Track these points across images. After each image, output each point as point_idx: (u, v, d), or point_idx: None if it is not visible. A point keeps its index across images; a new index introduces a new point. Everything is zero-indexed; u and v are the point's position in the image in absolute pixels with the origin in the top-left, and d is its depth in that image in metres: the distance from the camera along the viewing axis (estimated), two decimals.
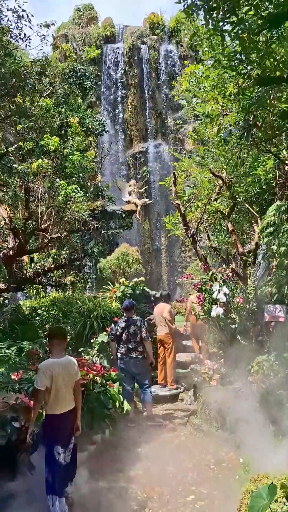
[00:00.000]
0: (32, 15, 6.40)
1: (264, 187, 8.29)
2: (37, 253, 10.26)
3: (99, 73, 23.35)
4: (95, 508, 4.61)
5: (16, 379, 5.69)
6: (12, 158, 7.94)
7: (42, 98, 8.27)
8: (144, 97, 24.29)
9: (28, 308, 11.06)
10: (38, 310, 10.74)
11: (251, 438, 5.44)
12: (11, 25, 6.48)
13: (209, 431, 6.75)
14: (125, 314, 7.74)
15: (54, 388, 4.42)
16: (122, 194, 20.88)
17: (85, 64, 9.81)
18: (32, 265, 10.37)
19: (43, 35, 6.82)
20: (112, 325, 7.81)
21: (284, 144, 7.36)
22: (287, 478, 3.22)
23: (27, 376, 5.78)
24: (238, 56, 5.36)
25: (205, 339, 9.69)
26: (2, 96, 7.13)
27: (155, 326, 9.52)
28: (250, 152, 8.08)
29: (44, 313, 10.56)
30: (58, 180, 8.48)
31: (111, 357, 7.83)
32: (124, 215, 17.68)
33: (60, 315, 10.24)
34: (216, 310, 7.19)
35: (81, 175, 9.10)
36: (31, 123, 8.23)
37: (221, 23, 4.63)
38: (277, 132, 6.71)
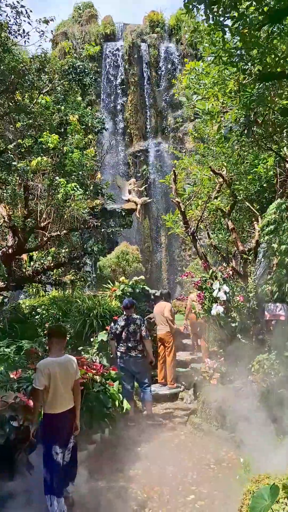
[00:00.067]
0: (31, 11, 6.35)
1: (264, 185, 8.24)
2: (36, 252, 10.22)
3: (98, 69, 23.26)
4: (94, 508, 4.58)
5: (15, 378, 5.65)
6: (11, 155, 7.89)
7: (42, 95, 8.23)
8: (144, 95, 24.25)
9: (27, 307, 11.03)
10: (38, 309, 10.71)
11: (252, 437, 5.41)
12: (10, 20, 6.44)
13: (209, 430, 6.71)
14: (124, 313, 7.70)
15: (52, 387, 4.38)
16: (122, 192, 20.84)
17: (84, 60, 9.73)
18: (32, 263, 10.33)
19: (42, 31, 6.77)
20: (112, 324, 7.76)
21: (285, 141, 7.30)
22: None
23: (26, 375, 5.74)
24: (238, 52, 5.33)
25: (205, 338, 9.65)
26: (0, 93, 7.08)
27: (155, 324, 9.49)
28: (251, 150, 8.04)
29: (44, 312, 10.52)
30: (57, 178, 8.44)
31: (111, 356, 7.80)
32: (124, 214, 17.66)
33: (60, 313, 10.20)
34: (217, 309, 7.15)
35: (80, 173, 9.07)
36: (30, 121, 8.19)
37: (221, 18, 4.58)
38: (278, 129, 6.66)
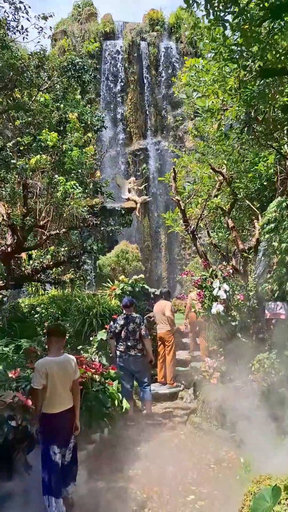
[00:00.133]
0: (29, 7, 6.29)
1: (265, 183, 8.20)
2: (35, 250, 10.17)
3: (98, 66, 23.16)
4: (93, 508, 4.54)
5: (14, 377, 5.60)
6: (10, 153, 7.84)
7: (41, 93, 8.18)
8: (144, 94, 24.17)
9: (26, 306, 10.98)
10: (37, 308, 10.67)
11: (252, 437, 5.37)
12: (8, 17, 6.38)
13: (209, 430, 6.67)
14: (124, 312, 7.66)
15: (49, 386, 4.35)
16: (122, 191, 20.80)
17: (83, 57, 9.68)
18: (31, 262, 10.29)
19: (40, 27, 6.71)
20: (111, 323, 7.72)
21: (286, 138, 7.25)
22: None
23: (25, 374, 5.69)
24: (239, 48, 5.28)
25: (204, 337, 9.61)
26: None
27: (155, 323, 9.45)
28: (251, 148, 7.99)
29: (43, 310, 10.48)
30: (56, 176, 8.39)
31: (110, 355, 7.76)
32: (123, 212, 17.62)
33: (59, 312, 10.16)
34: (217, 307, 7.10)
35: (80, 171, 9.02)
36: (30, 118, 8.14)
37: (222, 14, 4.54)
38: (279, 127, 6.61)
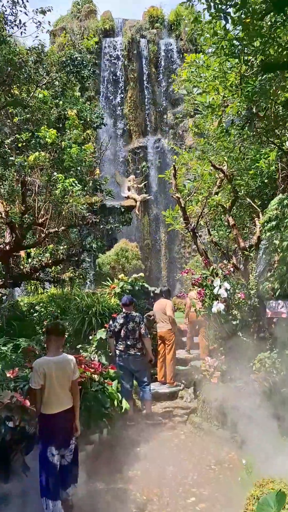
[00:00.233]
0: (27, 0, 6.19)
1: (266, 180, 8.11)
2: (34, 248, 10.09)
3: (97, 62, 23.00)
4: (92, 510, 4.47)
5: (12, 377, 5.52)
6: (8, 150, 7.75)
7: (39, 89, 8.08)
8: (143, 91, 24.05)
9: (26, 305, 10.91)
10: (36, 307, 10.59)
11: (253, 438, 5.29)
12: (6, 10, 6.28)
13: (209, 430, 6.60)
14: (124, 310, 7.59)
15: (47, 386, 4.29)
16: (121, 189, 20.72)
17: (82, 52, 9.56)
18: (29, 260, 10.20)
19: (39, 21, 6.62)
20: (111, 322, 7.65)
21: None
22: None
23: (23, 374, 5.61)
24: (240, 42, 5.18)
25: (204, 336, 9.54)
26: None
27: (155, 322, 9.38)
28: (252, 145, 7.90)
29: (42, 309, 10.40)
30: (55, 173, 8.31)
31: (110, 354, 7.69)
32: (123, 211, 17.55)
33: (58, 311, 10.09)
34: (217, 306, 7.02)
35: (79, 168, 8.93)
36: (28, 115, 8.05)
37: (223, 7, 4.45)
38: (281, 123, 6.52)
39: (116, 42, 24.45)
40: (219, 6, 4.37)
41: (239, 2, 4.35)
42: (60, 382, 4.36)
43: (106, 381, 6.13)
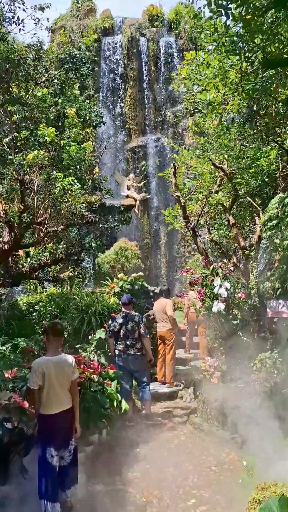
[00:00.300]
0: None
1: (266, 179, 8.06)
2: (33, 247, 10.02)
3: (96, 59, 22.88)
4: None
5: (10, 377, 5.46)
6: (7, 149, 7.69)
7: (38, 87, 8.02)
8: (143, 90, 23.96)
9: (25, 304, 10.85)
10: (35, 306, 10.53)
11: (254, 439, 5.23)
12: (4, 7, 6.21)
13: (209, 431, 6.55)
14: (123, 309, 7.54)
15: (46, 386, 4.25)
16: (121, 188, 20.66)
17: (81, 49, 9.49)
18: (28, 259, 10.14)
19: (37, 18, 6.54)
20: (110, 321, 7.60)
21: None
22: None
23: (21, 374, 5.55)
24: (241, 39, 5.12)
25: (204, 335, 9.50)
26: None
27: (154, 322, 9.33)
28: (253, 143, 7.84)
29: (42, 308, 10.34)
30: (54, 172, 8.25)
31: (109, 354, 7.63)
32: (122, 210, 17.50)
33: (58, 310, 10.04)
34: (217, 306, 6.97)
35: (78, 167, 8.87)
36: (27, 113, 7.98)
37: (224, 3, 4.39)
38: (282, 121, 6.46)
39: (115, 40, 24.36)
40: (220, 1, 4.31)
41: None
42: (60, 382, 4.32)
43: (105, 381, 6.07)
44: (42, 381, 4.24)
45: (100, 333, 8.01)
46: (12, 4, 6.14)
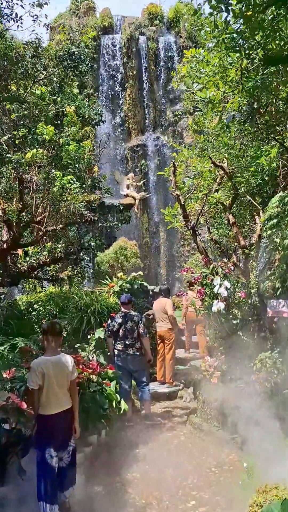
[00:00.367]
0: None
1: (266, 178, 8.01)
2: (32, 247, 9.98)
3: (95, 56, 22.79)
4: None
5: (8, 377, 5.41)
6: (5, 147, 7.63)
7: (37, 85, 7.96)
8: (143, 89, 23.90)
9: (24, 303, 10.81)
10: (34, 305, 10.50)
11: (254, 439, 5.20)
12: (2, 3, 6.15)
13: (209, 431, 6.51)
14: (122, 309, 7.49)
15: (45, 387, 4.22)
16: (120, 187, 20.60)
17: (80, 46, 9.43)
18: (27, 258, 10.09)
19: (35, 15, 6.48)
20: (109, 321, 7.55)
21: None
22: None
23: (20, 375, 5.51)
24: (242, 36, 5.07)
25: (203, 334, 9.45)
26: None
27: (154, 321, 9.29)
28: (253, 142, 7.79)
29: (41, 308, 10.31)
30: (53, 170, 8.20)
31: (108, 353, 7.59)
32: (122, 209, 17.44)
33: (57, 310, 10.00)
34: (217, 305, 6.92)
35: (77, 165, 8.82)
36: (25, 111, 7.93)
37: None
38: (282, 119, 6.41)
39: (115, 39, 24.29)
40: None
41: None
42: (59, 382, 4.29)
43: (104, 381, 6.03)
44: (42, 381, 4.21)
45: (99, 333, 7.97)
46: (10, 0, 6.10)
